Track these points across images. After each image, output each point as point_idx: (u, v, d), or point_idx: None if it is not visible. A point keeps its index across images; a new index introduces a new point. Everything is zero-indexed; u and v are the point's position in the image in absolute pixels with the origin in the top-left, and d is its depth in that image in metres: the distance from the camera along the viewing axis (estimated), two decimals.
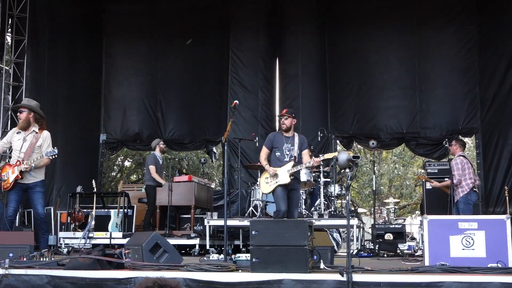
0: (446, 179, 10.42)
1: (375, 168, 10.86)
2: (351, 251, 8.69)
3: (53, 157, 8.09)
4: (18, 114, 8.43)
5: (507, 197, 11.08)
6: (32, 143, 8.12)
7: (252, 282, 5.46)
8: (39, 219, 8.36)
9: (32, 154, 8.06)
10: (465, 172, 9.97)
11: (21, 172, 7.98)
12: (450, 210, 9.66)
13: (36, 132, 8.22)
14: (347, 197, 6.08)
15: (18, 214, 12.34)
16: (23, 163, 7.99)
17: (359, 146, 17.88)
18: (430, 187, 10.97)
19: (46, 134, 8.30)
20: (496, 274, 5.26)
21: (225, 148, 7.57)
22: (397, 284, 5.21)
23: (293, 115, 8.62)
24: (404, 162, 26.37)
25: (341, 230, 11.99)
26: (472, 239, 5.99)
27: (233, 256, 7.17)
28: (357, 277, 5.28)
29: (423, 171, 10.36)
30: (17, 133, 8.24)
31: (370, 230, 12.71)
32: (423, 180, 11.13)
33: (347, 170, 6.74)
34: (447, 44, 13.90)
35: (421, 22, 14.01)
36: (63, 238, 11.14)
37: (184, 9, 15.04)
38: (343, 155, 7.68)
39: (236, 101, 8.14)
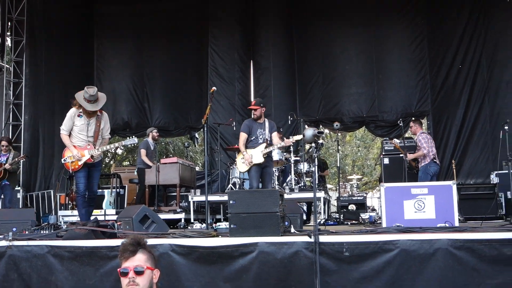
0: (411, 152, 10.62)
1: (339, 147, 10.91)
2: (319, 220, 8.81)
3: (133, 145, 7.90)
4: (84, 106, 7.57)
5: (454, 170, 11.26)
6: (97, 127, 7.70)
7: (231, 246, 5.47)
8: (91, 195, 7.93)
9: (99, 137, 7.74)
10: (429, 145, 10.18)
11: (92, 156, 7.64)
12: (405, 180, 9.79)
13: (98, 115, 7.75)
14: (314, 168, 6.13)
15: (21, 197, 12.34)
16: (94, 147, 7.64)
17: (326, 130, 17.96)
18: (388, 163, 11.13)
19: (106, 115, 7.95)
20: (444, 232, 5.34)
21: (205, 129, 7.58)
22: (358, 243, 5.26)
23: (262, 104, 8.89)
24: (365, 144, 26.62)
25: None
26: (423, 203, 6.07)
27: (214, 225, 7.20)
28: (323, 238, 5.32)
29: (398, 140, 10.46)
30: (78, 116, 7.61)
31: (336, 203, 12.80)
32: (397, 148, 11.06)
33: (313, 144, 6.84)
34: (401, 37, 14.02)
35: (377, 18, 14.10)
36: (63, 216, 11.08)
37: (167, 9, 14.95)
38: (309, 131, 7.76)
39: (214, 88, 8.18)
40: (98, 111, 7.71)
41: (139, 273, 3.16)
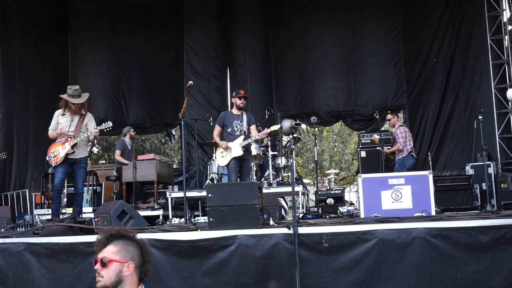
0: (389, 146, 10.77)
1: (316, 141, 10.97)
2: (298, 214, 8.85)
3: (108, 129, 8.19)
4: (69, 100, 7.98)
5: (430, 162, 11.43)
6: (80, 122, 8.01)
7: (210, 239, 5.49)
8: (77, 193, 8.19)
9: (80, 132, 7.98)
10: (406, 140, 10.35)
11: (73, 146, 7.86)
12: (382, 172, 9.91)
13: (82, 114, 8.10)
14: (292, 160, 6.16)
15: None
16: (74, 138, 7.88)
17: (303, 125, 18.03)
18: (365, 156, 11.25)
19: (90, 115, 8.26)
20: (421, 221, 5.42)
21: (182, 123, 7.63)
22: (336, 234, 5.31)
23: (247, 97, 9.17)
24: (342, 139, 26.78)
25: (288, 199, 12.06)
26: (400, 193, 6.17)
27: (192, 220, 7.20)
28: (302, 230, 5.37)
29: (378, 137, 10.62)
30: (62, 115, 8.06)
31: (314, 197, 12.85)
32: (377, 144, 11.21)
33: (291, 136, 6.86)
34: (376, 32, 14.09)
35: (353, 12, 14.18)
36: (39, 215, 10.95)
37: (142, 5, 14.88)
38: (286, 123, 7.80)
39: (190, 82, 8.18)
40: (83, 110, 8.10)
41: (103, 264, 3.10)
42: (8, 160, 13.05)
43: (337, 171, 17.41)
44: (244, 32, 14.56)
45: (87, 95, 8.21)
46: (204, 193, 9.79)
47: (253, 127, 8.88)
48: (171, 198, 10.33)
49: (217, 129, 8.99)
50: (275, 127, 8.79)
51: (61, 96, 8.10)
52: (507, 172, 11.14)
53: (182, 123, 7.72)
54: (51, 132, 8.10)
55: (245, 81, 14.24)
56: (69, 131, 7.97)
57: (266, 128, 8.78)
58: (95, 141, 8.96)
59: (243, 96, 8.95)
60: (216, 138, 8.92)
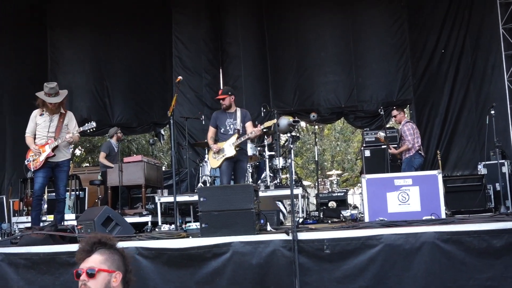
0: (395, 145, 10.77)
1: (317, 140, 10.95)
2: (297, 219, 8.85)
3: (92, 130, 8.24)
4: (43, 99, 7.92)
5: (439, 161, 11.43)
6: (60, 122, 7.95)
7: (202, 247, 5.48)
8: (58, 199, 8.12)
9: (61, 133, 7.94)
10: (414, 137, 10.38)
11: (54, 149, 7.84)
12: (388, 173, 9.91)
13: (62, 113, 8.03)
14: (290, 160, 6.18)
15: None
16: (56, 140, 7.85)
17: (302, 123, 18.02)
18: (369, 155, 11.26)
19: (70, 113, 8.21)
20: (430, 225, 5.43)
21: (172, 121, 7.63)
22: (339, 240, 5.31)
23: (229, 93, 8.89)
24: (345, 138, 26.81)
25: (286, 203, 12.06)
26: (407, 194, 6.17)
27: (183, 226, 7.20)
28: (302, 236, 5.36)
29: (384, 134, 10.60)
30: (40, 115, 7.98)
31: (314, 201, 12.86)
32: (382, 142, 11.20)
33: (289, 134, 6.85)
34: (379, 21, 14.09)
35: (353, 0, 14.17)
36: (17, 223, 10.93)
37: None
38: (284, 120, 7.76)
39: (180, 77, 8.15)
40: (62, 109, 8.04)
41: (91, 275, 3.08)
42: None
43: (339, 172, 17.49)
44: (237, 23, 14.49)
45: (65, 92, 8.12)
46: (195, 197, 9.78)
47: (248, 124, 8.73)
48: (160, 203, 10.32)
49: (211, 131, 8.94)
50: (269, 123, 8.69)
51: (37, 94, 8.02)
52: None
53: (172, 122, 7.68)
54: (28, 137, 8.03)
55: (238, 75, 14.20)
56: (49, 132, 7.93)
57: (259, 125, 8.65)
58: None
59: (219, 98, 8.93)
60: (210, 140, 8.89)
